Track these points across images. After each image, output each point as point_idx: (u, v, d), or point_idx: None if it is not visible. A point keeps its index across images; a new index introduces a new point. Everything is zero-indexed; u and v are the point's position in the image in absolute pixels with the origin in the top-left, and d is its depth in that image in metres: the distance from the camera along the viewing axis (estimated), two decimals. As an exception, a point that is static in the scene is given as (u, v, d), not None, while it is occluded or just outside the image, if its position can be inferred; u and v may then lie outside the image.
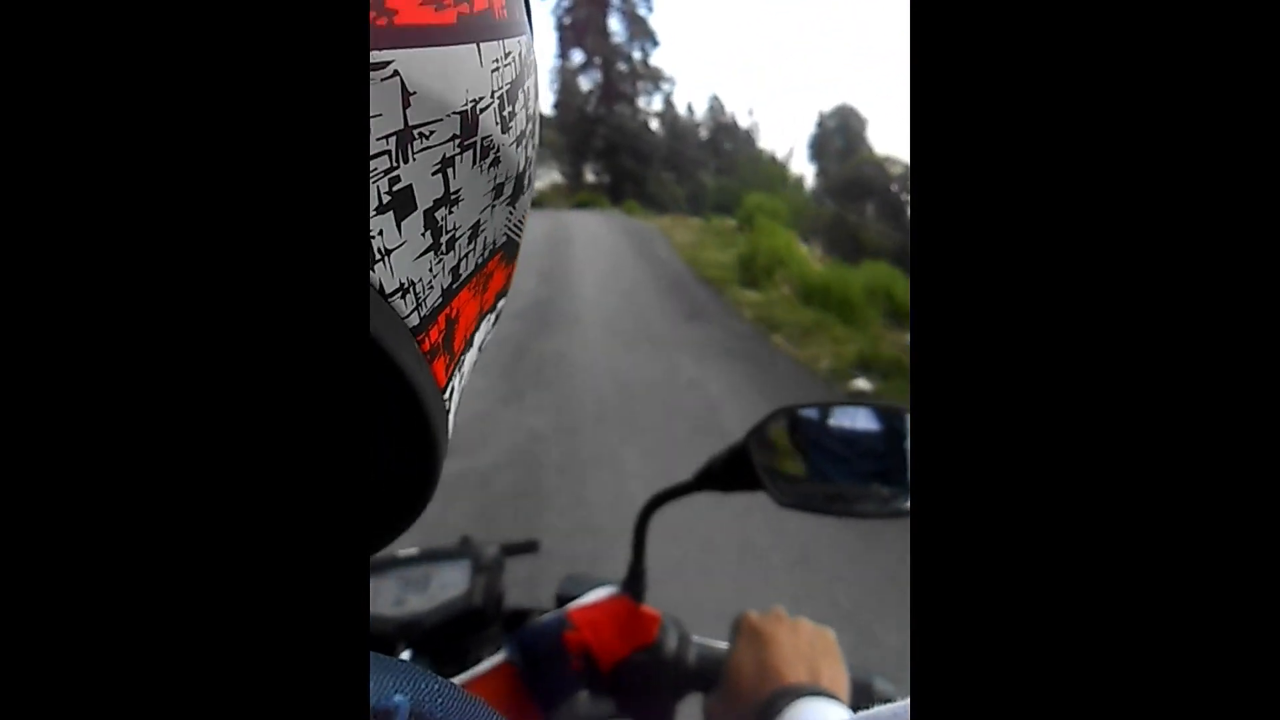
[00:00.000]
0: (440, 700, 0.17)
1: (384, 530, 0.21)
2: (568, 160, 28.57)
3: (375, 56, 0.14)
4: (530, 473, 2.61)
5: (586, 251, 9.56)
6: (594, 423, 3.14)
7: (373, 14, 0.13)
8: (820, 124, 30.52)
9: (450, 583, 0.54)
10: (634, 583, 0.52)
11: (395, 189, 0.15)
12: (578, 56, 28.97)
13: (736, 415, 3.12)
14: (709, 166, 29.00)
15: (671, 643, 0.51)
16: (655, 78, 29.75)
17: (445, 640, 0.52)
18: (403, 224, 0.16)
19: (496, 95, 0.18)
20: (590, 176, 28.15)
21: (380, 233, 0.15)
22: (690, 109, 30.92)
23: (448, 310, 0.19)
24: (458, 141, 0.16)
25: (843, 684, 0.47)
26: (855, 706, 0.46)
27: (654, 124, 29.52)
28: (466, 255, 0.19)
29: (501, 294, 0.25)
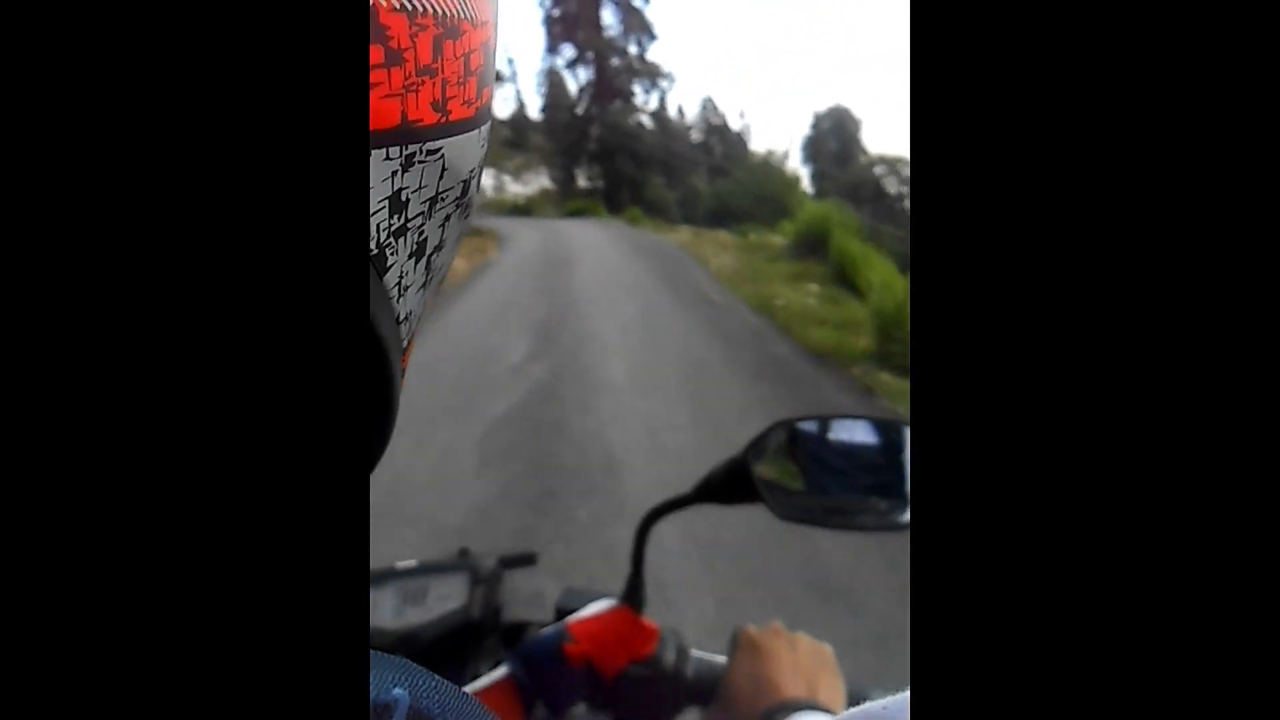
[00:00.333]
0: (438, 697, 0.19)
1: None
2: (558, 164, 28.63)
3: (430, 145, 0.19)
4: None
5: (597, 284, 7.63)
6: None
7: (434, 113, 0.19)
8: (815, 125, 31.11)
9: (449, 595, 0.59)
10: (633, 595, 0.57)
11: (419, 240, 0.21)
12: (568, 51, 29.19)
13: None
14: (701, 170, 29.16)
15: (670, 656, 0.56)
16: (653, 74, 29.72)
17: (444, 653, 0.57)
18: (418, 266, 0.21)
19: (481, 165, 0.24)
20: (583, 181, 28.17)
21: (404, 274, 0.20)
22: (681, 111, 31.06)
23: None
24: (457, 202, 0.22)
25: (840, 698, 0.52)
26: None
27: (647, 124, 29.59)
28: (436, 287, 0.25)
29: None
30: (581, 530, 2.27)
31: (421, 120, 0.18)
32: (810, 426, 0.58)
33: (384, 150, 0.17)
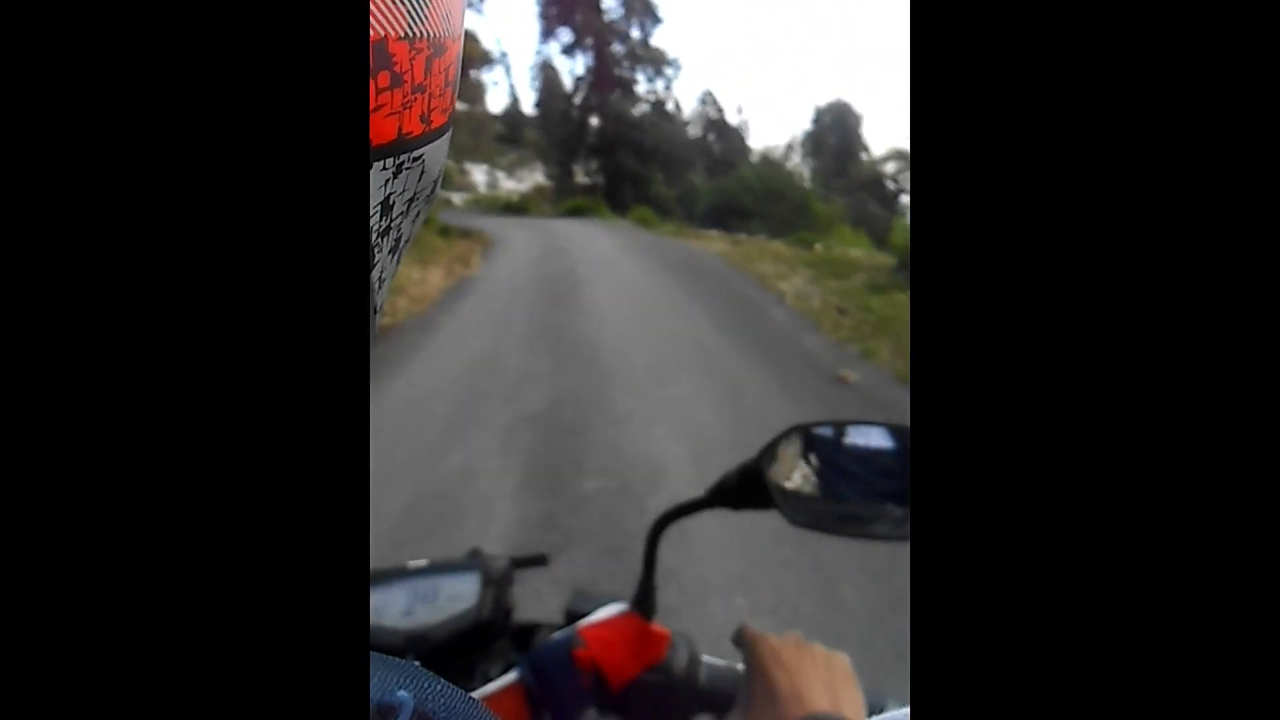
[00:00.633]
0: (444, 701, 0.20)
1: None
2: (554, 159, 28.39)
3: (415, 152, 0.22)
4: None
5: (623, 326, 5.46)
6: None
7: (420, 124, 0.21)
8: (816, 119, 31.26)
9: (459, 595, 0.63)
10: (643, 600, 0.61)
11: (396, 237, 0.24)
12: (565, 35, 28.77)
13: None
14: (698, 167, 28.92)
15: (681, 661, 0.59)
16: (656, 61, 29.28)
17: (454, 654, 0.60)
18: (393, 259, 0.24)
19: (443, 165, 0.27)
20: (582, 178, 27.79)
21: (383, 269, 0.23)
22: (677, 105, 30.85)
23: None
24: (426, 197, 0.25)
25: (860, 710, 0.56)
26: None
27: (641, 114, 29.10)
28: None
29: None
30: None
31: (412, 132, 0.21)
32: (826, 431, 0.61)
33: (382, 162, 0.20)
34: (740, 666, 0.59)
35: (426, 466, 2.90)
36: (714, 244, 11.98)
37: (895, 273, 7.54)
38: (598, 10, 28.87)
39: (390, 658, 0.21)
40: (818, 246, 10.74)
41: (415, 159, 0.22)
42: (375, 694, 0.19)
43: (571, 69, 29.32)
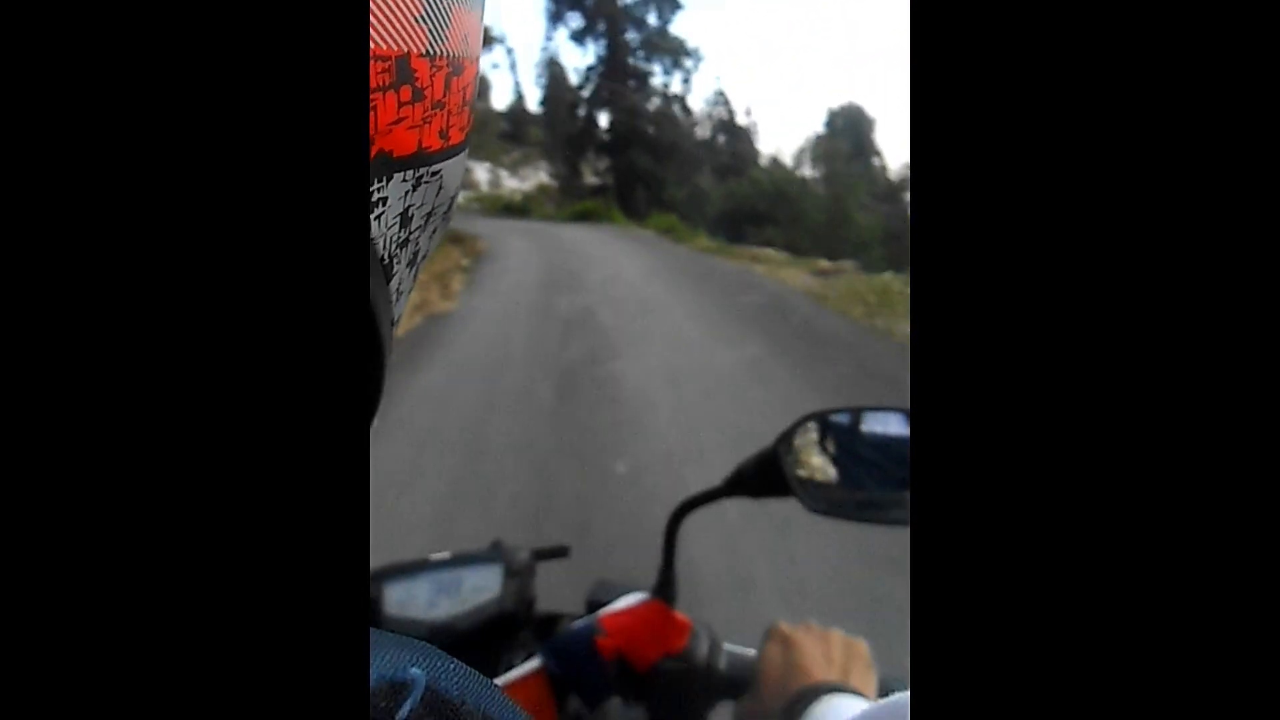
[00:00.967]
0: (457, 680, 0.21)
1: None
2: (559, 157, 27.63)
3: (434, 166, 0.24)
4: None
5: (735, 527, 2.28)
6: None
7: (439, 140, 0.24)
8: (829, 123, 31.38)
9: (482, 587, 0.69)
10: (665, 589, 0.66)
11: (414, 250, 0.26)
12: (575, 20, 27.03)
13: None
14: (704, 169, 27.84)
15: (703, 649, 0.65)
16: (675, 51, 27.43)
17: (478, 644, 0.66)
18: (411, 273, 0.27)
19: (460, 183, 0.29)
20: (590, 178, 26.82)
21: (401, 280, 0.26)
22: (685, 104, 29.32)
23: None
24: (443, 213, 0.28)
25: (872, 688, 0.60)
26: None
27: (664, 110, 27.67)
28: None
29: None
30: None
31: (431, 147, 0.24)
32: (843, 418, 0.65)
33: (402, 174, 0.23)
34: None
35: None
36: (790, 273, 8.54)
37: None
38: (611, -6, 27.35)
39: (404, 637, 0.22)
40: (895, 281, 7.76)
41: (434, 174, 0.25)
42: (388, 671, 0.20)
43: (581, 59, 28.44)
